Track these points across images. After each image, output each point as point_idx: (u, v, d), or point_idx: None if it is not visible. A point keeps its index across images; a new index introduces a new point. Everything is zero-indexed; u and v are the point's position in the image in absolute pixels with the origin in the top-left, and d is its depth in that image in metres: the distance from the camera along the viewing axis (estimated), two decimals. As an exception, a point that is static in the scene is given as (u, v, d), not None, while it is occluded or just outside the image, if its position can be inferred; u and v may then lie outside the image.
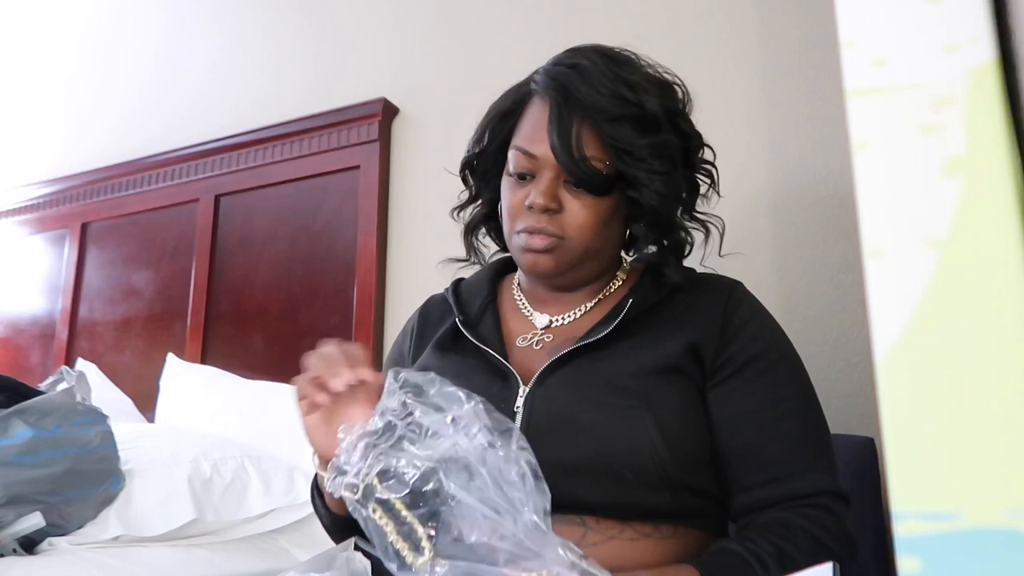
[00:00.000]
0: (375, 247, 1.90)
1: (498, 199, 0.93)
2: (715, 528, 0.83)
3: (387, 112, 1.97)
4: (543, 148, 0.84)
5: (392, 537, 0.63)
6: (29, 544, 1.21)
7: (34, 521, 1.17)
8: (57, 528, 1.21)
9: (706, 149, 0.90)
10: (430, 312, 1.01)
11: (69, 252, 2.54)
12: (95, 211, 2.51)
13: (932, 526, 0.29)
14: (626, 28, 1.64)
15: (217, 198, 2.23)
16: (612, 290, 0.91)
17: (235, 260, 2.18)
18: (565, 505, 0.76)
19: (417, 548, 0.62)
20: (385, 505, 0.64)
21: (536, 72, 0.90)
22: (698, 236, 0.93)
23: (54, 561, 1.16)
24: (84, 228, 2.53)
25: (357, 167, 1.98)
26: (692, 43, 1.56)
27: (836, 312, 1.35)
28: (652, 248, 0.91)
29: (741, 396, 0.81)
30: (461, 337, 0.91)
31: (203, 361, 2.12)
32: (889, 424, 0.30)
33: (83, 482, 1.25)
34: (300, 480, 1.51)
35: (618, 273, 0.93)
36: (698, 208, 0.92)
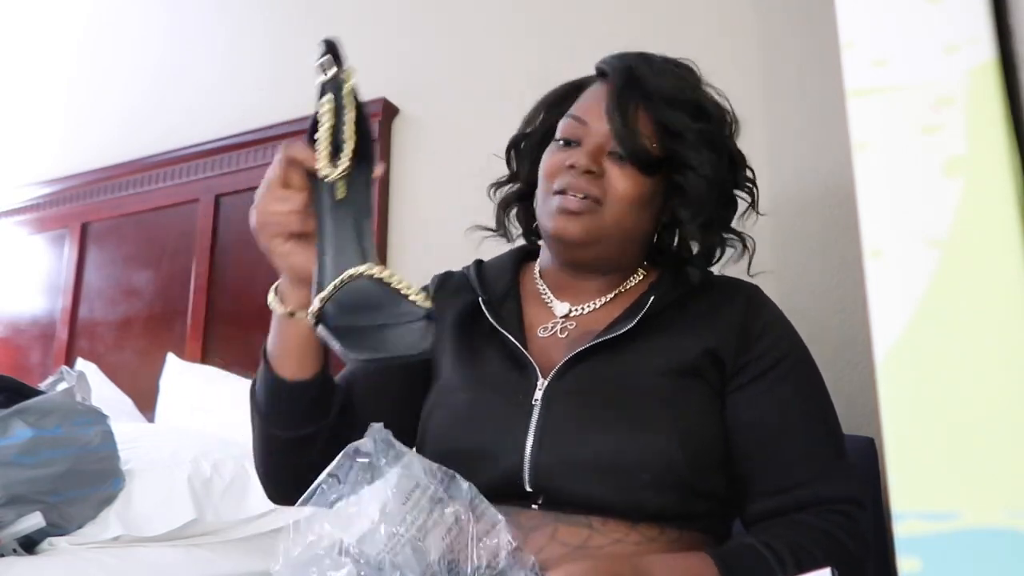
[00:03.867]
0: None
1: (535, 183, 0.94)
2: (720, 532, 0.83)
3: (387, 112, 1.97)
4: (594, 115, 0.86)
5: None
6: (29, 544, 1.21)
7: (34, 521, 1.17)
8: (57, 528, 1.21)
9: (748, 171, 0.92)
10: (445, 284, 0.99)
11: (69, 252, 2.54)
12: (95, 211, 2.51)
13: (932, 526, 0.29)
14: (626, 28, 1.64)
15: (217, 198, 2.23)
16: (631, 285, 0.91)
17: (235, 260, 2.18)
18: (572, 504, 0.76)
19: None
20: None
21: (595, 67, 0.93)
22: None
23: (54, 561, 1.16)
24: (84, 228, 2.53)
25: (357, 167, 1.98)
26: (692, 44, 1.56)
27: (836, 312, 1.35)
28: (684, 242, 0.92)
29: (761, 401, 0.81)
30: (480, 318, 0.90)
31: (203, 361, 2.12)
32: (889, 424, 0.30)
33: (83, 482, 1.25)
34: (300, 480, 1.51)
35: (639, 269, 0.92)
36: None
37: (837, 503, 0.77)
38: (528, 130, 0.95)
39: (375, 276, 0.68)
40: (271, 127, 2.14)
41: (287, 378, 0.81)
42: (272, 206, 0.74)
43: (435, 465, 0.70)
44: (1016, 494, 0.28)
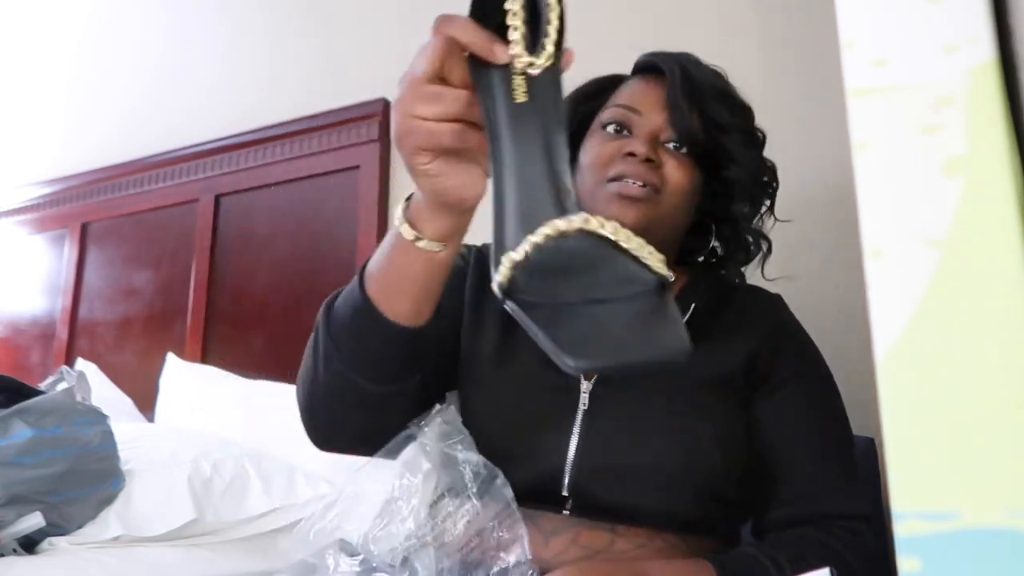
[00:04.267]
0: (375, 247, 1.90)
1: None
2: (733, 539, 0.83)
3: (387, 112, 1.96)
4: (648, 105, 0.85)
5: None
6: (29, 544, 1.21)
7: (34, 521, 1.17)
8: (57, 528, 1.21)
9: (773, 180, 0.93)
10: (484, 260, 0.90)
11: (69, 252, 2.54)
12: (95, 211, 2.51)
13: (932, 526, 0.28)
14: (626, 28, 1.64)
15: (217, 198, 2.23)
16: None
17: (235, 260, 2.18)
18: (606, 510, 0.75)
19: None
20: None
21: (636, 63, 0.92)
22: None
23: (54, 561, 1.16)
24: (84, 228, 2.53)
25: (357, 167, 1.98)
26: (692, 44, 1.56)
27: (836, 312, 1.34)
28: (716, 245, 0.92)
29: (777, 413, 0.81)
30: None
31: (203, 361, 2.12)
32: (889, 424, 0.30)
33: (83, 482, 1.25)
34: (300, 480, 1.51)
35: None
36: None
37: (844, 519, 0.77)
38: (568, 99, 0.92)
39: (594, 232, 0.47)
40: (271, 127, 2.14)
41: (396, 321, 0.65)
42: (419, 107, 0.54)
43: (481, 460, 0.68)
44: (1016, 494, 0.28)
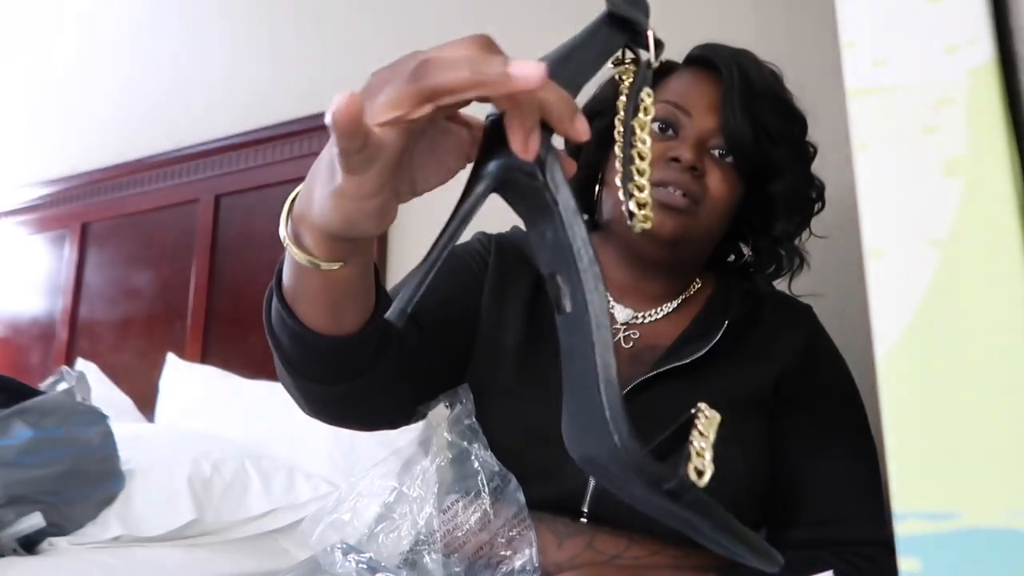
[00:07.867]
0: (375, 247, 1.90)
1: (592, 173, 0.85)
2: None
3: (387, 112, 1.97)
4: (699, 107, 0.79)
5: None
6: (29, 544, 1.21)
7: (34, 521, 1.17)
8: (57, 528, 1.21)
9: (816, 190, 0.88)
10: (504, 250, 0.84)
11: (69, 252, 2.54)
12: (95, 211, 2.51)
13: (932, 526, 0.28)
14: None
15: (217, 198, 2.23)
16: (692, 292, 0.85)
17: (235, 260, 2.18)
18: (623, 526, 0.73)
19: None
20: None
21: (690, 54, 0.86)
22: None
23: (54, 561, 1.16)
24: (84, 228, 2.53)
25: (357, 167, 1.98)
26: (689, 44, 1.56)
27: (836, 312, 1.34)
28: (747, 254, 0.88)
29: (807, 430, 0.79)
30: (544, 302, 0.80)
31: (203, 361, 2.12)
32: (889, 424, 0.30)
33: (83, 482, 1.25)
34: (300, 480, 1.51)
35: (696, 277, 0.87)
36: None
37: (862, 546, 0.75)
38: (597, 109, 0.84)
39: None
40: (271, 127, 2.14)
41: (317, 330, 0.55)
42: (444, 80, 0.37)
43: (495, 465, 0.67)
44: (1016, 494, 0.28)
